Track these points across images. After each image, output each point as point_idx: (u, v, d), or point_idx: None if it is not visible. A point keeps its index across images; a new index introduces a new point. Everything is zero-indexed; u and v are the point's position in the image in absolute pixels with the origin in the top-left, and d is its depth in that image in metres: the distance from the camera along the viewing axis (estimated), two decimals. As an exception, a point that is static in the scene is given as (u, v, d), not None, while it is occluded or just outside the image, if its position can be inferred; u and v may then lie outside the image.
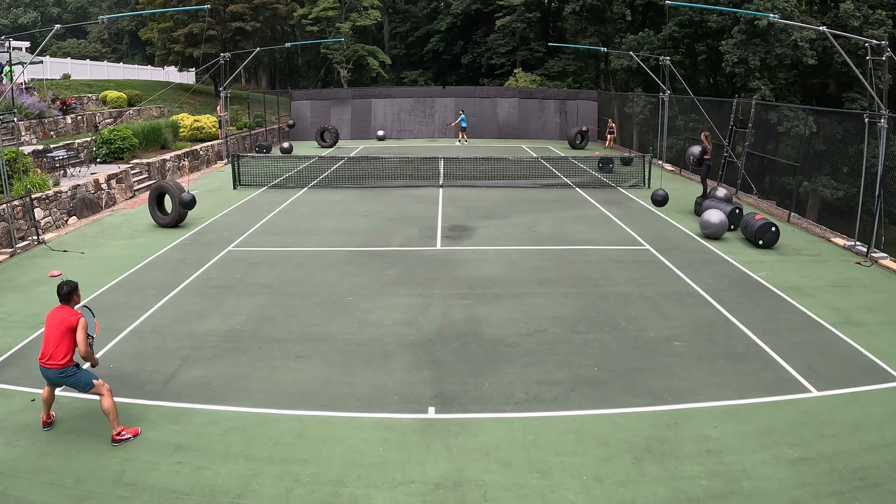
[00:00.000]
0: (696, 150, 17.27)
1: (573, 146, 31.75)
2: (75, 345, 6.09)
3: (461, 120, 34.07)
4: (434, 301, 10.02)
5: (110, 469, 5.75)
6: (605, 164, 23.26)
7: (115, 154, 20.58)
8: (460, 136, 34.02)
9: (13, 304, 9.91)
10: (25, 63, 17.57)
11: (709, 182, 17.60)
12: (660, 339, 8.61)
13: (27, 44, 30.23)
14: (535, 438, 6.28)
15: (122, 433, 6.22)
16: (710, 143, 17.18)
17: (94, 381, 6.22)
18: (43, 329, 6.36)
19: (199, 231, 14.66)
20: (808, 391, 7.20)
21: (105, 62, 43.09)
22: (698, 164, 17.26)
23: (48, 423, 6.46)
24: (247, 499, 5.40)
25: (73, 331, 6.08)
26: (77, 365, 6.22)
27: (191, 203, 14.86)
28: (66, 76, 30.88)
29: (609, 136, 31.79)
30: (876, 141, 12.82)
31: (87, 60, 40.09)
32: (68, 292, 6.33)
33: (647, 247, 13.22)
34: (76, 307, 6.37)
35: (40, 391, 7.02)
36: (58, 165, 17.98)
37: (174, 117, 27.17)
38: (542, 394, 7.14)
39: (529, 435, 6.34)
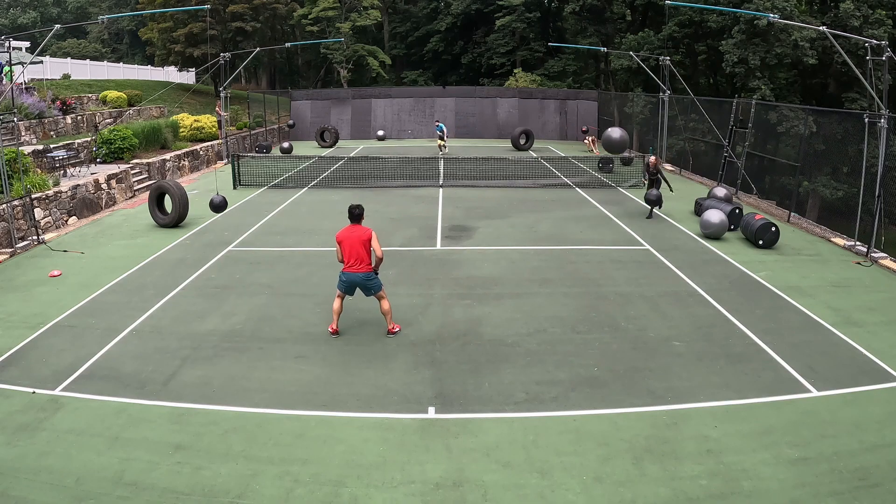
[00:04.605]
0: (653, 192, 15.88)
1: (517, 147, 30.28)
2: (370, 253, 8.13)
3: (437, 129, 29.08)
4: (434, 301, 10.02)
5: (110, 469, 5.75)
6: (605, 164, 23.28)
7: (115, 154, 20.58)
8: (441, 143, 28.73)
9: (13, 304, 9.91)
10: (25, 63, 17.56)
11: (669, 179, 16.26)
12: (660, 339, 8.61)
13: (27, 44, 30.18)
14: (535, 438, 6.28)
15: (395, 328, 8.61)
16: (659, 163, 15.91)
17: (382, 288, 8.48)
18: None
19: (199, 231, 14.66)
20: (808, 391, 7.20)
21: (105, 62, 43.07)
22: (651, 180, 16.24)
23: (337, 332, 8.54)
24: (247, 499, 5.40)
25: (370, 242, 8.15)
26: (376, 272, 8.32)
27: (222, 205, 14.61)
28: (66, 76, 30.86)
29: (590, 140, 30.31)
30: (876, 141, 12.82)
31: (87, 60, 40.06)
32: (360, 213, 8.31)
33: (647, 247, 13.22)
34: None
35: (40, 389, 7.07)
36: (58, 165, 17.98)
37: (174, 117, 27.17)
38: (542, 394, 7.14)
39: (529, 435, 6.34)
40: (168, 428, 6.45)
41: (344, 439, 6.28)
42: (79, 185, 16.27)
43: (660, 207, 16.10)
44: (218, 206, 14.42)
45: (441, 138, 28.58)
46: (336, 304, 8.60)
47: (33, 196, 14.10)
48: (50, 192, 14.87)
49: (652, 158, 16.00)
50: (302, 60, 55.95)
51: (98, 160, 20.28)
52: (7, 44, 14.86)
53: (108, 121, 24.89)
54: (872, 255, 12.47)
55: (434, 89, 41.12)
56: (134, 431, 6.37)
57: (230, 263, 12.09)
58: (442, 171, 21.46)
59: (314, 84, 51.77)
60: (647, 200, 15.72)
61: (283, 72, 58.42)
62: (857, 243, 13.22)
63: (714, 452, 6.01)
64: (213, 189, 20.10)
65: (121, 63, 46.79)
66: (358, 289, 8.49)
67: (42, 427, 6.43)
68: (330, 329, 8.67)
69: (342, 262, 8.40)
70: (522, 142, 30.76)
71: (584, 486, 5.56)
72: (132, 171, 19.58)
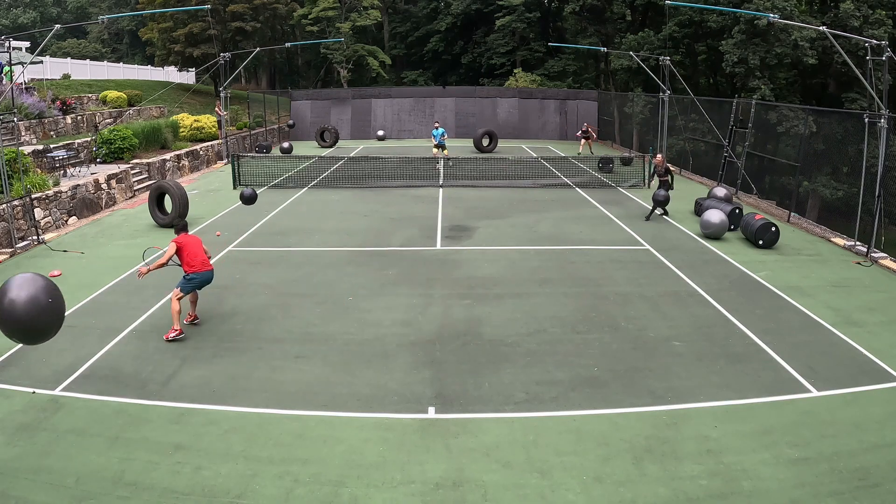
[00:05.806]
0: (661, 192, 15.97)
1: (479, 149, 28.90)
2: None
3: (434, 135, 25.34)
4: (434, 301, 10.02)
5: (110, 469, 5.75)
6: (605, 164, 23.28)
7: (115, 154, 20.58)
8: (440, 152, 24.61)
9: (13, 304, 9.89)
10: (25, 63, 17.56)
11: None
12: (660, 339, 8.61)
13: (27, 44, 30.17)
14: (535, 438, 6.28)
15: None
16: (664, 163, 16.03)
17: None
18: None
19: (199, 231, 14.64)
20: (808, 391, 7.20)
21: (105, 62, 43.06)
22: (662, 180, 16.23)
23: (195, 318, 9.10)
24: (247, 499, 5.40)
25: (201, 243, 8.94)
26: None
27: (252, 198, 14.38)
28: (66, 76, 30.85)
29: (586, 139, 29.12)
30: (876, 141, 12.82)
31: (87, 60, 40.05)
32: (185, 224, 9.12)
33: (647, 247, 13.22)
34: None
35: (40, 389, 7.07)
36: (58, 165, 17.98)
37: (174, 117, 27.17)
38: (542, 394, 7.14)
39: (529, 435, 6.34)
40: (168, 428, 6.45)
41: (344, 439, 6.28)
42: (79, 185, 16.27)
43: (663, 209, 15.97)
44: (248, 198, 14.18)
45: (440, 146, 24.76)
46: (177, 305, 8.57)
47: (33, 196, 14.09)
48: (50, 192, 14.86)
49: (658, 157, 15.88)
50: (302, 60, 55.96)
51: (98, 160, 20.28)
52: (7, 44, 14.86)
53: (108, 121, 24.89)
54: (872, 255, 12.47)
55: (434, 89, 41.14)
56: (134, 431, 6.37)
57: (230, 263, 12.08)
58: (442, 171, 21.47)
59: (314, 84, 51.78)
60: (655, 201, 15.64)
61: (283, 72, 58.42)
62: (857, 243, 13.21)
63: (714, 452, 6.01)
64: (214, 189, 20.15)
65: (121, 63, 46.78)
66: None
67: (42, 427, 6.44)
68: (185, 321, 8.97)
69: (171, 264, 8.83)
70: (486, 143, 29.08)
71: (584, 486, 5.56)
72: (132, 171, 19.57)
